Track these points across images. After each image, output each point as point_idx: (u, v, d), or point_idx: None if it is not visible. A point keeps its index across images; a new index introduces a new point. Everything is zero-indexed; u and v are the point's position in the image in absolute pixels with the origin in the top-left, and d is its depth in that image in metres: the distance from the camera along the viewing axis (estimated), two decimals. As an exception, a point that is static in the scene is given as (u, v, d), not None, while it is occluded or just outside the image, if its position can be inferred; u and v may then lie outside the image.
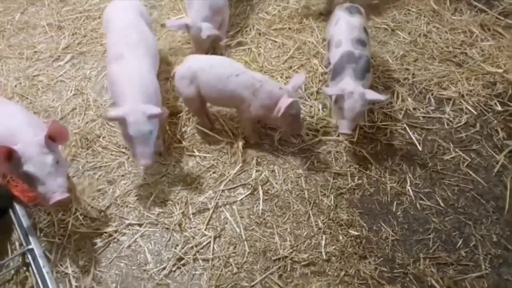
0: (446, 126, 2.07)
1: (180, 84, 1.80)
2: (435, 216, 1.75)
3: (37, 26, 2.44)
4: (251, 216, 1.75)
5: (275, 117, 1.75)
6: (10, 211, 1.62)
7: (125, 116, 1.56)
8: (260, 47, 2.40)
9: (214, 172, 1.90)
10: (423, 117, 2.12)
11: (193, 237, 1.69)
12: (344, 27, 1.96)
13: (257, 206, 1.78)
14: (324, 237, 1.68)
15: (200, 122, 2.00)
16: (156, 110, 1.60)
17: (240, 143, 1.95)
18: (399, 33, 2.51)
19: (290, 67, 2.32)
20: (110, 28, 1.89)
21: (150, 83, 1.73)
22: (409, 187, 1.84)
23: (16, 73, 2.21)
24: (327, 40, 2.08)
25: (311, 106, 2.12)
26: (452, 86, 2.24)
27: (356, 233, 1.69)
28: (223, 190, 1.83)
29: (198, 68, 1.77)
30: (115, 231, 1.69)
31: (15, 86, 2.14)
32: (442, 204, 1.78)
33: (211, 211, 1.76)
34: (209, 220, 1.73)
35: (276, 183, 1.85)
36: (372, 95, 1.74)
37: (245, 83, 1.75)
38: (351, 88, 1.72)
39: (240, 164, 1.91)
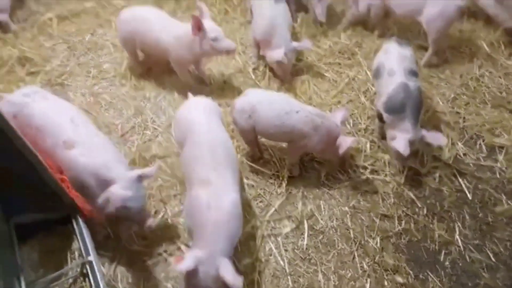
0: (498, 176, 2.03)
1: (238, 116, 1.87)
2: (486, 271, 1.70)
3: (104, 47, 2.62)
4: (295, 251, 1.77)
5: (331, 152, 1.80)
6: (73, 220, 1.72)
7: (198, 266, 1.33)
8: (310, 80, 2.46)
9: (261, 201, 1.95)
10: (474, 164, 2.09)
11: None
12: (395, 56, 2.01)
13: (302, 241, 1.80)
14: (369, 280, 1.67)
15: (250, 152, 2.07)
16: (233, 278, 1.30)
17: (286, 175, 1.99)
18: (451, 75, 2.51)
19: (339, 102, 2.35)
20: (190, 140, 1.64)
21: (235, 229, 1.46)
22: (458, 237, 1.81)
23: (83, 90, 2.36)
24: (373, 69, 2.13)
25: (359, 143, 2.14)
26: (505, 133, 2.20)
27: (402, 281, 1.66)
28: (268, 221, 1.87)
29: (258, 103, 1.85)
30: (165, 251, 1.76)
31: (82, 102, 2.30)
32: (493, 258, 1.74)
33: (259, 241, 1.79)
34: (257, 252, 1.76)
35: (322, 219, 1.87)
36: (431, 139, 1.81)
37: (304, 119, 1.80)
38: (413, 137, 1.81)
39: (285, 196, 1.95)
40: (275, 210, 1.90)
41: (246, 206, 1.91)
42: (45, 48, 2.62)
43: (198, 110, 1.74)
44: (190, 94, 1.92)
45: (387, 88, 1.95)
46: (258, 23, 2.41)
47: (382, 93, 1.99)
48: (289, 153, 2.00)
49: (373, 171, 2.04)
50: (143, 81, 2.42)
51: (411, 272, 1.69)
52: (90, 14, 2.87)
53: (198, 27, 2.06)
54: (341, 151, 1.79)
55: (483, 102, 2.37)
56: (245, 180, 2.00)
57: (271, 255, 1.76)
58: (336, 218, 1.88)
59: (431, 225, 1.85)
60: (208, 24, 2.09)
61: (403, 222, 1.86)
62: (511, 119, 2.26)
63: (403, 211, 1.90)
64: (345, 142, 1.78)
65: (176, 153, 2.03)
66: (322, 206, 1.92)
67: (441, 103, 2.34)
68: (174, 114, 2.02)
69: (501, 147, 2.14)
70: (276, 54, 2.29)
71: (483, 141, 2.17)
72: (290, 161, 2.01)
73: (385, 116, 1.94)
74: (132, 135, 2.16)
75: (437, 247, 1.78)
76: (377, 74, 2.07)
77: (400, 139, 1.82)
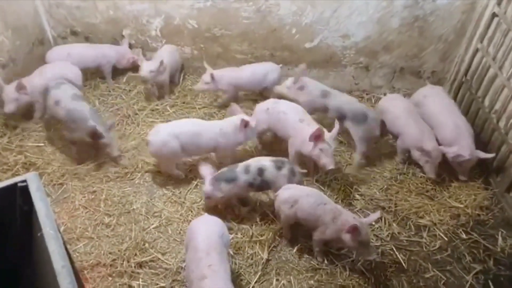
0: (424, 249, 2.61)
1: (282, 207, 2.40)
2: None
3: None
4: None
5: (344, 241, 2.25)
6: None
7: None
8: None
9: (241, 280, 2.33)
10: (406, 240, 2.66)
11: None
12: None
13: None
14: None
15: (284, 234, 2.57)
16: None
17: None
18: (383, 170, 3.21)
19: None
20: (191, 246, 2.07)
21: None
22: (399, 301, 2.29)
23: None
24: None
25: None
26: (427, 215, 2.84)
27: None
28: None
29: (299, 196, 2.39)
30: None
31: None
32: (426, 315, 2.21)
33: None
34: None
35: (293, 291, 2.28)
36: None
37: (329, 211, 2.32)
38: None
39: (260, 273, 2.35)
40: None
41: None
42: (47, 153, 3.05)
43: (201, 223, 2.18)
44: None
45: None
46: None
47: None
48: (313, 240, 2.45)
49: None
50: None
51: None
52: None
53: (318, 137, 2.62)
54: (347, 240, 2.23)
55: (409, 191, 3.04)
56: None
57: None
58: (305, 290, 2.30)
59: (380, 294, 2.33)
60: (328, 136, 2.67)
61: (358, 290, 2.32)
62: (430, 204, 2.92)
63: (356, 281, 2.37)
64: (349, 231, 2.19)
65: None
66: (292, 281, 2.34)
67: (377, 192, 2.99)
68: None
69: (425, 226, 2.75)
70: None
71: (412, 221, 2.79)
72: (314, 247, 2.47)
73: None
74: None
75: (384, 309, 2.23)
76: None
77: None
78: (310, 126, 2.74)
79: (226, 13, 3.61)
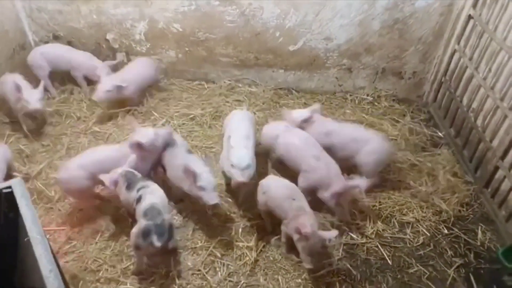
0: (408, 245, 2.68)
1: (258, 192, 2.56)
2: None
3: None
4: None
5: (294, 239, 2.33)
6: None
7: None
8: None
9: (230, 280, 2.35)
10: (390, 237, 2.73)
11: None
12: None
13: (266, 310, 2.20)
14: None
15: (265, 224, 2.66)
16: None
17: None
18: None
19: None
20: None
21: None
22: (384, 296, 2.35)
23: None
24: None
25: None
26: (410, 212, 2.91)
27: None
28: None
29: (272, 185, 2.52)
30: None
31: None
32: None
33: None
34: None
35: (281, 290, 2.32)
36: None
37: (295, 207, 2.41)
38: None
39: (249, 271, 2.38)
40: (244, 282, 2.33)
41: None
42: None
43: None
44: None
45: None
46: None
47: None
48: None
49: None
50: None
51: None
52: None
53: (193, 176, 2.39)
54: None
55: (392, 189, 3.11)
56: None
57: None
58: (293, 288, 2.34)
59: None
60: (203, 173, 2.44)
61: (343, 286, 2.36)
62: (413, 202, 2.99)
63: (343, 278, 2.42)
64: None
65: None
66: (279, 280, 2.37)
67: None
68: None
69: (408, 223, 2.82)
70: None
71: (395, 219, 2.85)
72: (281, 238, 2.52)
73: None
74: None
75: (369, 305, 2.29)
76: None
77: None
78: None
79: (211, 17, 3.64)
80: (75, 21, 3.79)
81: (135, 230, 2.19)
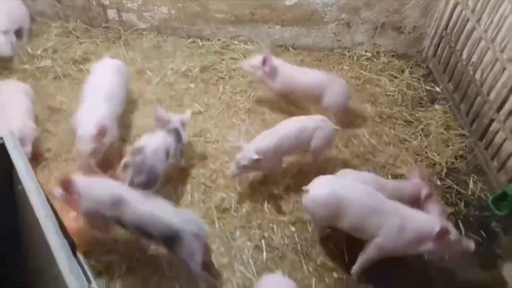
0: (402, 197, 2.73)
1: None
2: None
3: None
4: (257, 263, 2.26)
5: None
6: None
7: None
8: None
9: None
10: (385, 188, 2.77)
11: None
12: None
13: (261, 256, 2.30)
14: (314, 279, 2.19)
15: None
16: None
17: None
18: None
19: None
20: None
21: None
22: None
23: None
24: None
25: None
26: (403, 165, 2.94)
27: (338, 276, 2.22)
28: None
29: None
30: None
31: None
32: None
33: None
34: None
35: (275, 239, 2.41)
36: None
37: None
38: None
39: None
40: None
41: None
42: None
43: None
44: None
45: None
46: None
47: None
48: None
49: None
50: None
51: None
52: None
53: None
54: None
55: (386, 143, 3.12)
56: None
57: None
58: (288, 237, 2.41)
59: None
60: None
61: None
62: (406, 155, 3.01)
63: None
64: None
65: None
66: (275, 228, 2.45)
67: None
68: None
69: (402, 175, 2.86)
70: None
71: (389, 171, 2.87)
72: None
73: None
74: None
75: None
76: None
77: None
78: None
79: (204, -30, 3.49)
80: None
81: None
